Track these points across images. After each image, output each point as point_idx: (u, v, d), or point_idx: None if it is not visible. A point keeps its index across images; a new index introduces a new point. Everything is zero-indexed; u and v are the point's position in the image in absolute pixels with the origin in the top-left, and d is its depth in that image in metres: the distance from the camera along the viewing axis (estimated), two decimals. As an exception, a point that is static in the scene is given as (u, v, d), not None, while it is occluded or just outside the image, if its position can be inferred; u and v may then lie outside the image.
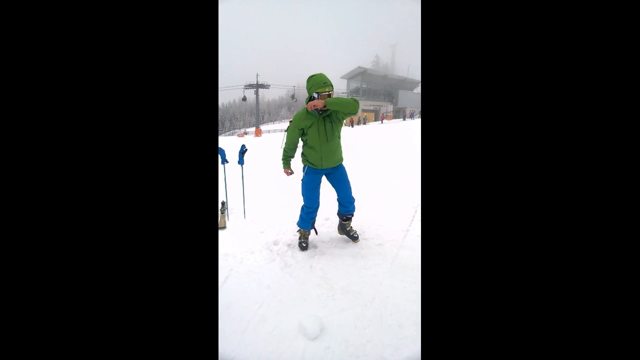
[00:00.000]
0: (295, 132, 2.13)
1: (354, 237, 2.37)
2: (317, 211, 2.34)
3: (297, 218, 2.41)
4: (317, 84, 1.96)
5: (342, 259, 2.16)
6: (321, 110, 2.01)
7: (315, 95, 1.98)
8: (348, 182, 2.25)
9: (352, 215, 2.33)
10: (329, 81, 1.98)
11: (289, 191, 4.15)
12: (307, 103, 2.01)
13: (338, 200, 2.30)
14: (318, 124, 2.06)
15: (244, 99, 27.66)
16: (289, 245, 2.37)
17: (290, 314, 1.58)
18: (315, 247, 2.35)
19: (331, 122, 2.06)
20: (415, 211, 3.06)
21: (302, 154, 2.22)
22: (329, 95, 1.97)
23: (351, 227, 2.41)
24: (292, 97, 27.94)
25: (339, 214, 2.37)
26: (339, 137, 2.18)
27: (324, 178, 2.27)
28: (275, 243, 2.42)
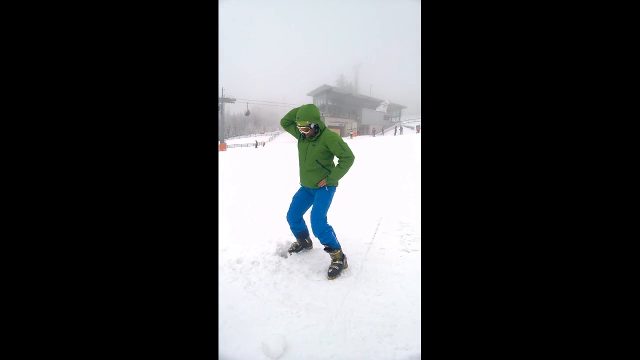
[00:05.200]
0: (290, 128, 2.35)
1: (328, 271, 2.14)
2: (292, 222, 2.39)
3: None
4: (296, 116, 2.15)
5: (307, 274, 2.15)
6: (306, 136, 2.19)
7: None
8: (317, 206, 2.21)
9: (326, 245, 2.18)
10: (302, 116, 2.10)
11: (253, 207, 4.07)
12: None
13: None
14: (302, 143, 2.25)
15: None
16: (252, 262, 2.31)
17: (253, 334, 1.53)
18: (279, 263, 2.32)
19: (314, 147, 2.18)
20: (378, 224, 3.17)
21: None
22: (305, 129, 2.13)
23: (336, 261, 2.18)
24: (247, 112, 28.69)
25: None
26: (323, 165, 2.20)
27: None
28: (239, 261, 2.34)
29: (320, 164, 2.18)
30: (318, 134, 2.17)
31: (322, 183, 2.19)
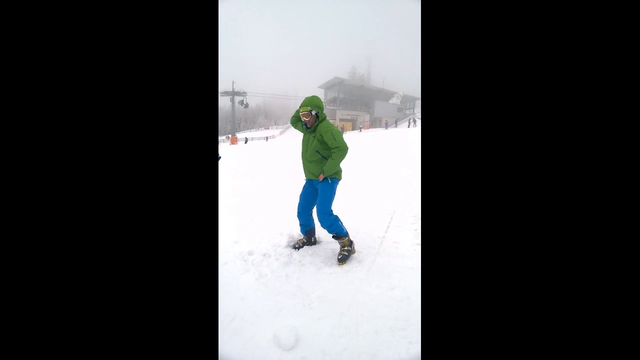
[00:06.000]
0: (298, 125, 2.42)
1: (338, 257, 2.23)
2: (303, 220, 2.42)
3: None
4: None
5: (319, 267, 2.14)
6: (307, 124, 2.26)
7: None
8: (321, 201, 2.24)
9: (334, 234, 2.26)
10: (305, 102, 2.21)
11: (264, 201, 4.09)
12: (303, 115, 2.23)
13: None
14: (305, 135, 2.33)
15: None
16: (264, 254, 2.32)
17: (265, 326, 1.53)
18: (291, 255, 2.31)
19: (314, 138, 2.24)
20: (391, 218, 3.12)
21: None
22: (306, 115, 2.20)
23: (344, 247, 2.26)
24: (245, 105, 28.48)
25: None
26: (323, 156, 2.24)
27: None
28: (250, 253, 2.35)
29: (320, 154, 2.24)
30: (317, 123, 2.21)
31: (321, 177, 2.24)
